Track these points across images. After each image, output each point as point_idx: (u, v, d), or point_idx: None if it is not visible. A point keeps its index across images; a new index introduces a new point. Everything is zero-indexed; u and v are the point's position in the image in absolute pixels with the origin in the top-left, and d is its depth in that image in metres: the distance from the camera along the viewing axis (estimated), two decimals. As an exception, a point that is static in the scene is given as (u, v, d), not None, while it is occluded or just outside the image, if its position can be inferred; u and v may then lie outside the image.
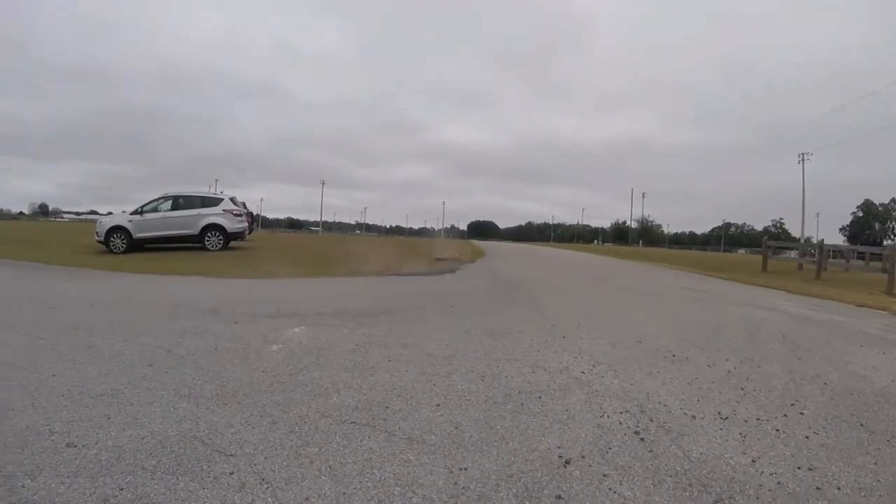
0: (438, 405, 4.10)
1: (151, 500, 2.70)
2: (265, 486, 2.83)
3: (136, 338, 5.97)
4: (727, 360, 5.73)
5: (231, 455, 3.16)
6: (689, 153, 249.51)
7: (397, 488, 2.83)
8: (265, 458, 3.15)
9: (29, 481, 2.92)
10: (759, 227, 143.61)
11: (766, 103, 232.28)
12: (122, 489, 2.80)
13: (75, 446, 3.31)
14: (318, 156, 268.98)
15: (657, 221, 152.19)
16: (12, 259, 17.37)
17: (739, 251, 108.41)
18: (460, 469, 3.05)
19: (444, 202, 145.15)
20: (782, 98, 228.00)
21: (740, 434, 3.72)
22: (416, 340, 6.14)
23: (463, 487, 2.84)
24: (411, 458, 3.19)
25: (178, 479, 2.90)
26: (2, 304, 8.53)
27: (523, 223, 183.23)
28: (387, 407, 4.03)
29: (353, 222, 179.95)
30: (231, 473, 2.95)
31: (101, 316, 7.36)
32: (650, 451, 3.36)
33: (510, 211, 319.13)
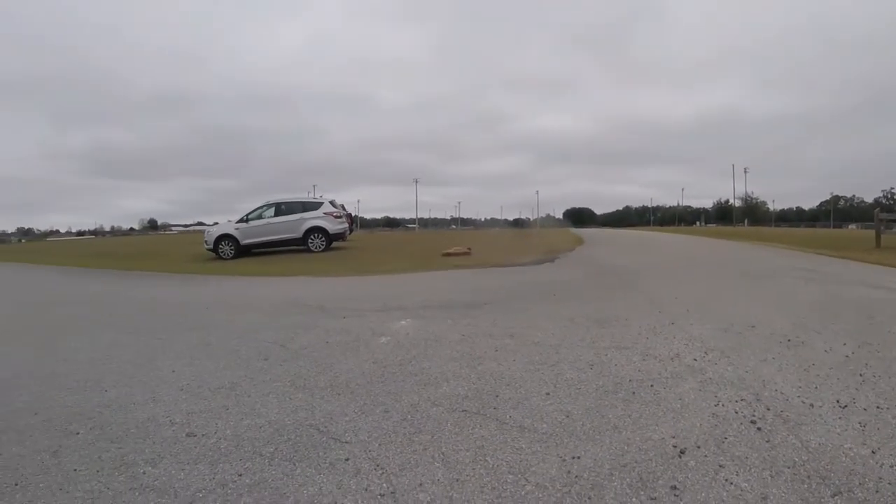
0: (548, 394, 4.03)
1: (269, 486, 2.77)
2: (380, 471, 2.86)
3: (250, 335, 6.20)
4: (844, 344, 5.38)
5: (346, 442, 3.22)
6: (789, 121, 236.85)
7: (510, 476, 2.79)
8: (379, 444, 3.18)
9: (150, 468, 3.07)
10: (868, 199, 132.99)
11: (868, 59, 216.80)
12: (240, 475, 2.89)
13: (195, 435, 3.46)
14: (410, 156, 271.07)
15: (761, 198, 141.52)
16: (129, 270, 18.45)
17: (850, 226, 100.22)
18: (573, 458, 2.98)
19: (537, 192, 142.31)
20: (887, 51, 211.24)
21: (860, 423, 3.47)
22: (522, 330, 6.08)
23: (576, 476, 2.78)
24: (523, 445, 3.15)
25: (294, 465, 2.97)
26: (123, 310, 9.02)
27: (620, 207, 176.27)
28: (497, 395, 4.01)
29: (448, 217, 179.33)
30: (346, 460, 3.00)
31: (215, 316, 7.68)
32: (767, 441, 3.19)
33: (606, 196, 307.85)
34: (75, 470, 3.18)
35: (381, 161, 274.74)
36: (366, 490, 2.67)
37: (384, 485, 2.72)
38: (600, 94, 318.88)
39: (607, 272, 12.72)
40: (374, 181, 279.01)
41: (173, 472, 2.98)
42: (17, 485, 3.11)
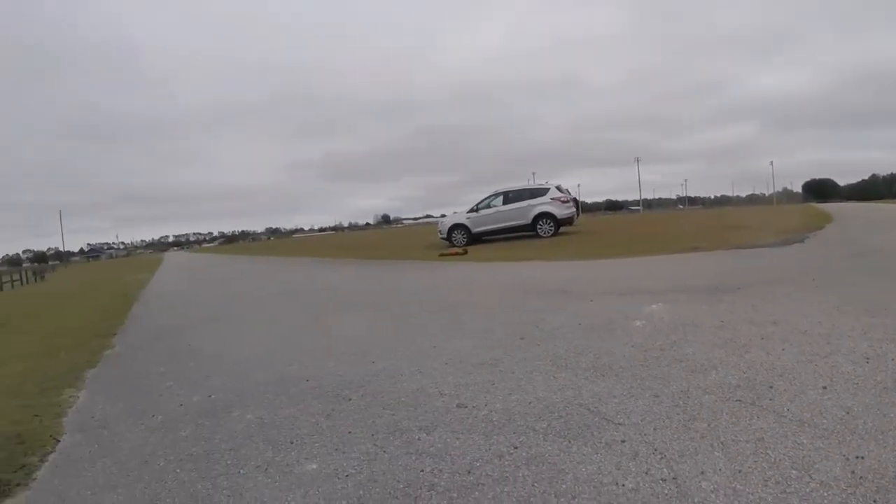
0: (825, 388, 3.66)
1: (546, 461, 2.76)
2: (658, 456, 2.73)
3: (500, 315, 6.34)
4: None
5: (619, 424, 3.13)
6: None
7: (793, 472, 2.55)
8: (654, 429, 3.05)
9: (424, 435, 3.21)
10: None
11: None
12: (516, 448, 2.92)
13: (465, 407, 3.57)
14: (627, 134, 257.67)
15: None
16: (371, 259, 19.77)
17: None
18: (856, 457, 2.67)
19: (771, 162, 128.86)
20: None
21: None
22: (785, 317, 5.57)
23: (860, 477, 2.48)
24: (804, 441, 2.87)
25: (570, 442, 2.94)
26: (374, 293, 9.63)
27: (866, 177, 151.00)
28: (770, 387, 3.70)
29: (674, 197, 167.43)
30: (623, 441, 2.91)
31: (461, 298, 7.97)
32: None
33: (849, 164, 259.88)
34: (350, 432, 3.40)
35: (598, 142, 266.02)
36: (646, 473, 2.56)
37: (665, 470, 2.59)
38: (828, 42, 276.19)
39: (868, 253, 11.27)
40: (592, 163, 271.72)
41: (448, 439, 3.09)
42: (292, 443, 3.38)
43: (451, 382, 4.09)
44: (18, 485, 3.45)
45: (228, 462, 3.25)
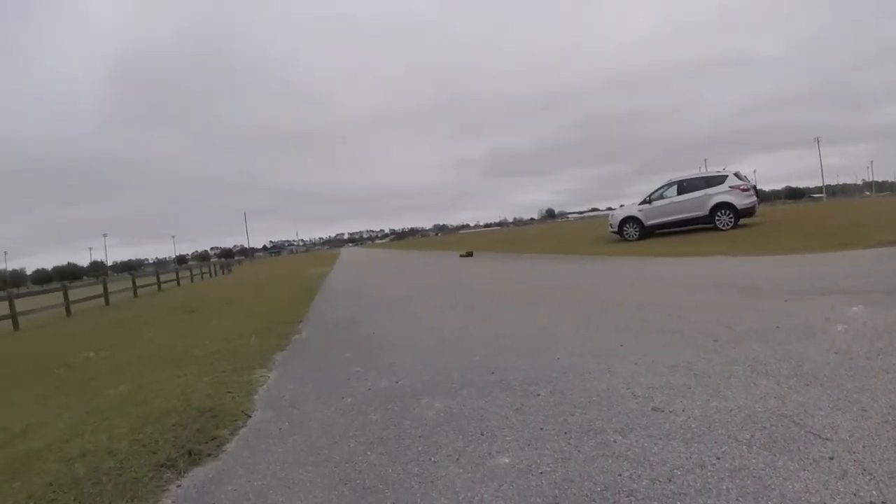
0: None
1: (751, 474, 2.59)
2: (867, 477, 2.48)
3: (688, 314, 6.06)
4: None
5: (827, 439, 2.86)
6: None
7: None
8: (863, 446, 2.76)
9: (620, 437, 3.11)
10: None
11: None
12: (718, 458, 2.76)
13: (662, 411, 3.42)
14: (804, 112, 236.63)
15: None
16: (539, 253, 19.63)
17: None
18: None
19: None
20: None
21: None
22: None
23: None
24: None
25: (775, 456, 2.74)
26: (552, 289, 9.58)
27: None
28: None
29: (860, 182, 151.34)
30: (830, 458, 2.66)
31: (641, 294, 7.72)
32: None
33: None
34: (541, 429, 3.36)
35: (772, 123, 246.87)
36: (854, 495, 2.34)
37: (874, 493, 2.35)
38: None
39: None
40: (767, 147, 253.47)
41: (645, 444, 2.98)
42: (482, 434, 3.37)
43: (643, 384, 3.95)
44: (209, 455, 3.77)
45: (419, 449, 3.34)
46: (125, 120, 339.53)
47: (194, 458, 3.72)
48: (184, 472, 3.51)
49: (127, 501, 3.18)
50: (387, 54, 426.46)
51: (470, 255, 21.24)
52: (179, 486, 3.35)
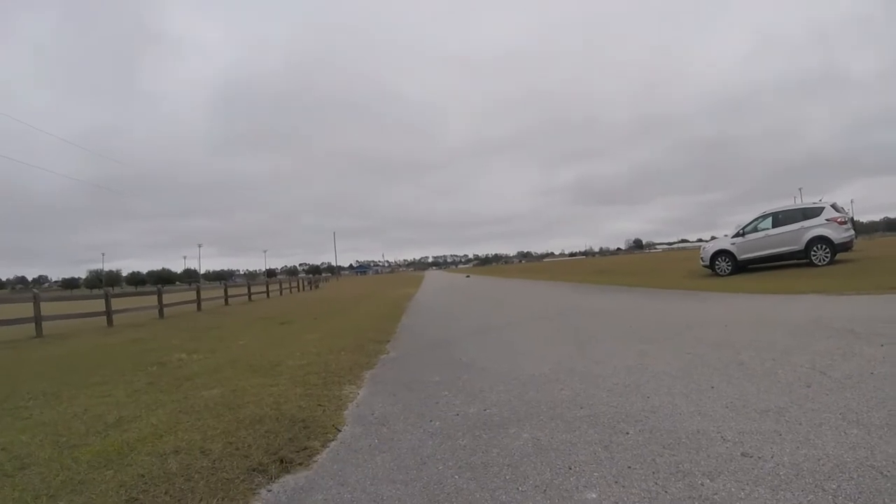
0: None
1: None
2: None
3: (783, 357, 5.91)
4: None
5: (916, 493, 2.81)
6: None
7: None
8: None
9: (708, 481, 3.11)
10: None
11: None
12: (806, 508, 2.72)
13: (750, 456, 3.39)
14: None
15: None
16: (629, 286, 19.40)
17: None
18: None
19: None
20: None
21: None
22: None
23: None
24: None
25: (864, 510, 2.69)
26: (640, 323, 9.63)
27: None
28: None
29: None
30: (916, 513, 2.62)
31: (739, 334, 7.56)
32: None
33: None
34: (629, 467, 3.38)
35: (872, 147, 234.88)
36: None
37: None
38: None
39: None
40: (865, 173, 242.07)
41: (733, 489, 2.98)
42: (570, 468, 3.42)
43: (733, 428, 3.91)
44: (300, 464, 3.93)
45: (507, 477, 3.41)
46: (232, 146, 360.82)
47: (286, 465, 3.88)
48: (275, 478, 3.68)
49: (218, 500, 3.35)
50: (481, 85, 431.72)
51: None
52: (270, 490, 3.51)
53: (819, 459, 3.27)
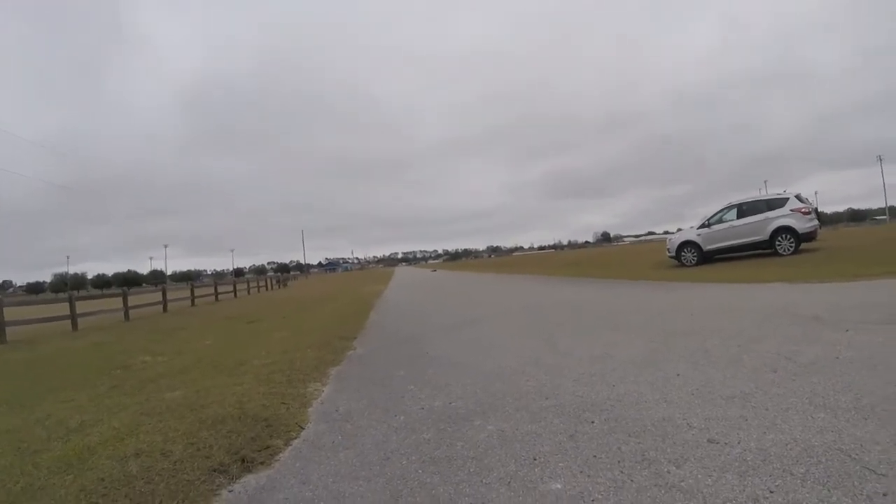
0: None
1: (807, 508, 2.54)
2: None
3: (749, 344, 5.94)
4: None
5: (882, 475, 2.80)
6: None
7: None
8: (919, 482, 2.70)
9: (674, 468, 3.08)
10: None
11: None
12: (771, 492, 2.72)
13: (717, 443, 3.37)
14: (868, 127, 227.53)
15: None
16: (597, 278, 19.56)
17: None
18: None
19: None
20: None
21: None
22: None
23: None
24: None
25: (829, 491, 2.70)
26: (606, 314, 9.64)
27: None
28: None
29: None
30: (884, 495, 2.62)
31: (703, 323, 7.60)
32: None
33: None
34: (595, 456, 3.35)
35: (836, 140, 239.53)
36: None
37: None
38: None
39: None
40: (829, 166, 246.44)
41: (699, 476, 2.94)
42: (535, 460, 3.38)
43: (699, 415, 3.90)
44: (262, 463, 3.86)
45: (471, 470, 3.36)
46: (199, 147, 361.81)
47: (247, 465, 3.81)
48: (236, 478, 3.61)
49: (178, 502, 3.28)
50: (453, 83, 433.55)
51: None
52: (231, 490, 3.44)
53: (786, 444, 3.26)
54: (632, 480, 2.96)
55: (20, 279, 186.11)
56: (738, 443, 3.33)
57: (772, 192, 22.45)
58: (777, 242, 19.86)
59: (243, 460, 3.87)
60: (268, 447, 4.12)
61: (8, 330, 15.15)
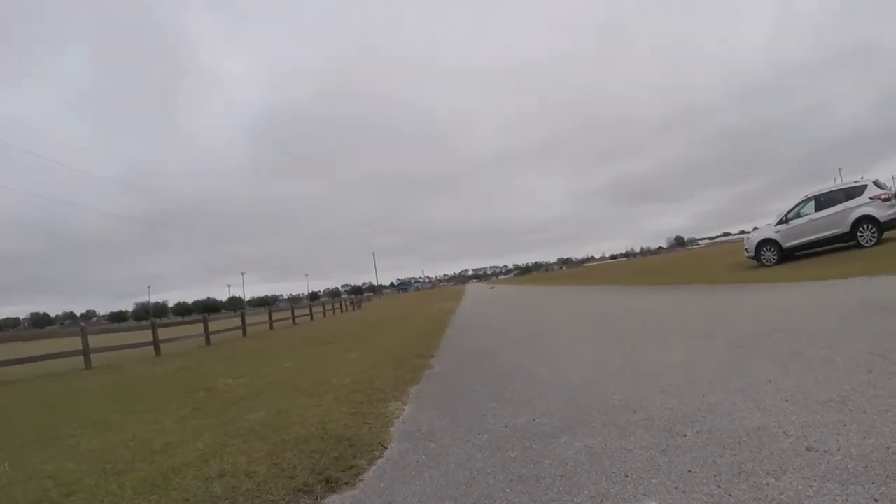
0: None
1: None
2: None
3: (840, 343, 5.70)
4: None
5: None
6: None
7: None
8: None
9: (773, 480, 2.95)
10: None
11: None
12: (876, 500, 2.59)
13: (815, 451, 3.23)
14: None
15: None
16: (675, 284, 19.23)
17: None
18: None
19: None
20: None
21: None
22: None
23: None
24: None
25: (936, 496, 2.55)
26: (691, 321, 9.31)
27: None
28: None
29: None
30: None
31: (791, 324, 7.35)
32: None
33: None
34: (689, 471, 3.24)
35: None
36: None
37: None
38: None
39: None
40: None
41: (800, 487, 2.82)
42: (626, 476, 3.29)
43: (795, 422, 3.73)
44: (346, 483, 3.88)
45: (560, 489, 3.30)
46: (267, 174, 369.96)
47: (331, 485, 3.84)
48: (320, 498, 3.65)
49: (263, 523, 3.31)
50: (511, 95, 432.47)
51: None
52: (315, 511, 3.46)
53: (888, 448, 3.10)
54: (730, 495, 2.86)
55: (103, 308, 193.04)
56: (838, 450, 3.18)
57: (848, 181, 21.49)
58: (859, 233, 18.77)
59: (328, 480, 3.90)
60: (352, 467, 4.15)
61: (93, 356, 15.92)
